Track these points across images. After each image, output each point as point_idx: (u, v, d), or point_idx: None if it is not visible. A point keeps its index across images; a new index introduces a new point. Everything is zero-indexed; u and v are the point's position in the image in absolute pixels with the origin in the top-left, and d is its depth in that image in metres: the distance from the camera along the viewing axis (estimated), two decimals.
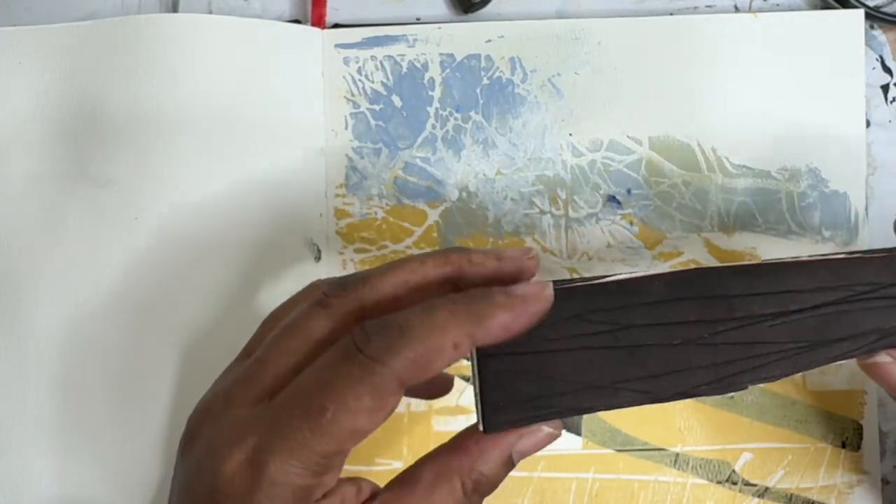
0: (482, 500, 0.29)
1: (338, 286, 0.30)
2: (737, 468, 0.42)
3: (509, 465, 0.29)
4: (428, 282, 0.30)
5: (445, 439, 0.30)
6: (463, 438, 0.29)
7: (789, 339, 0.30)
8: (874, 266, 0.30)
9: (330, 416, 0.26)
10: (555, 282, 0.28)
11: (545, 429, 0.29)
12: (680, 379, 0.29)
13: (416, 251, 0.42)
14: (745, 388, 0.30)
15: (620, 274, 0.29)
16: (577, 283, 0.29)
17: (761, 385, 0.42)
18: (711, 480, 0.42)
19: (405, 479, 0.29)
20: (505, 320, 0.27)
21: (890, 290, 0.30)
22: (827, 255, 0.30)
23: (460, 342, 0.27)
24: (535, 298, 0.28)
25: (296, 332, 0.29)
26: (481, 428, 0.28)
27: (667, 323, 0.29)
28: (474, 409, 0.28)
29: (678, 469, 0.42)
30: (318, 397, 0.26)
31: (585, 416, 0.41)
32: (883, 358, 0.31)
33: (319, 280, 0.33)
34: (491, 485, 0.29)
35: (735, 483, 0.42)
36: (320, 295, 0.30)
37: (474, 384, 0.28)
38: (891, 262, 0.30)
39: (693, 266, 0.29)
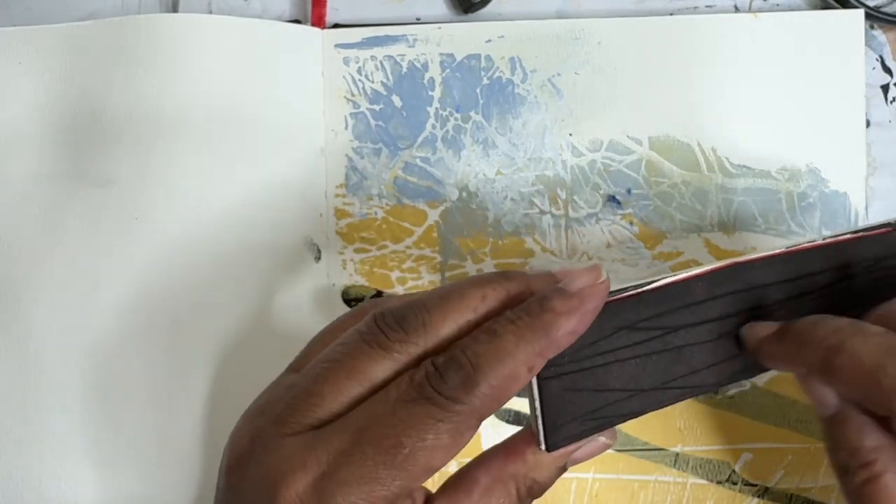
0: (532, 501, 0.29)
1: (398, 326, 0.28)
2: (737, 468, 0.42)
3: (562, 470, 0.30)
4: (488, 316, 0.29)
5: None
6: (519, 445, 0.29)
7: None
8: (874, 242, 0.32)
9: (407, 453, 0.25)
10: None
11: (601, 439, 0.30)
12: (718, 370, 0.30)
13: (415, 251, 0.42)
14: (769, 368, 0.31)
15: (662, 278, 0.29)
16: (624, 294, 0.28)
17: (763, 384, 0.42)
18: (711, 480, 0.42)
19: (460, 483, 0.29)
20: (571, 327, 0.27)
21: (887, 261, 0.32)
22: (837, 235, 0.31)
23: (533, 363, 0.26)
24: (593, 294, 0.27)
25: (355, 373, 0.28)
26: (543, 447, 0.28)
27: (709, 320, 0.30)
28: (533, 425, 0.28)
29: (678, 469, 0.42)
30: (394, 433, 0.26)
31: None
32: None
33: (371, 305, 0.31)
34: (544, 489, 0.29)
35: (735, 483, 0.42)
36: (378, 334, 0.28)
37: (532, 403, 0.28)
38: (886, 238, 0.32)
39: (726, 261, 0.30)
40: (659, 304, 0.29)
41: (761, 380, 0.42)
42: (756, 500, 0.42)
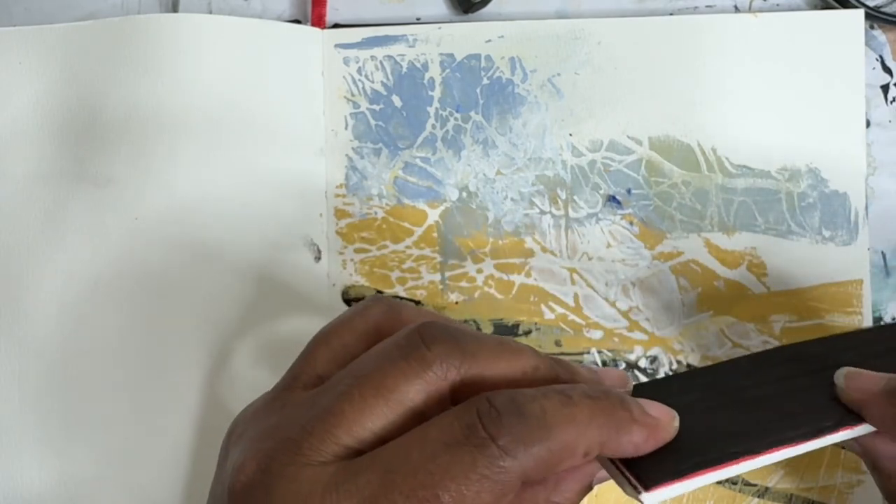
0: None
1: (443, 346, 0.25)
2: None
3: (587, 491, 0.27)
4: (531, 384, 0.26)
5: None
6: None
7: None
8: None
9: None
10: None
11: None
12: (799, 422, 0.28)
13: (416, 251, 0.42)
14: None
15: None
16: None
17: None
18: None
19: None
20: (640, 439, 0.25)
21: None
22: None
23: (591, 451, 0.24)
24: (667, 427, 0.26)
25: (383, 391, 0.24)
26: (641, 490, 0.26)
27: (771, 381, 0.30)
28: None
29: None
30: (431, 484, 0.23)
31: None
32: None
33: (383, 299, 0.28)
34: None
35: (735, 483, 0.42)
36: (420, 346, 0.25)
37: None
38: None
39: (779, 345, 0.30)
40: (708, 377, 0.30)
41: None
42: (756, 500, 0.42)
